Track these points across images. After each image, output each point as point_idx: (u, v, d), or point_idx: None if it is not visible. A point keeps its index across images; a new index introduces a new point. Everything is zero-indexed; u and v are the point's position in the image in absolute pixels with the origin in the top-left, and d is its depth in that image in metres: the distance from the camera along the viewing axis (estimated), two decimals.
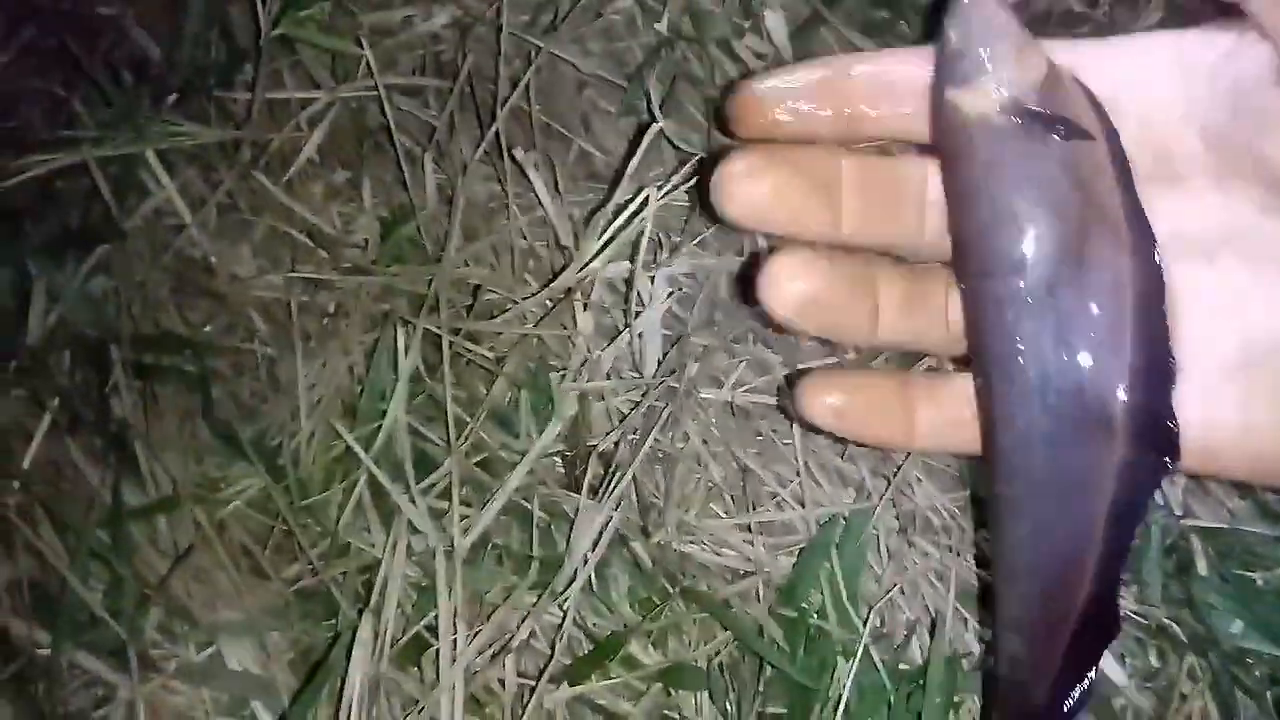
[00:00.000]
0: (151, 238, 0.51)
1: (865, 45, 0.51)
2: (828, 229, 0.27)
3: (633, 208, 0.45)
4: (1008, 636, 0.27)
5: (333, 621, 0.46)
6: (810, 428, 0.29)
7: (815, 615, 0.44)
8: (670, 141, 0.48)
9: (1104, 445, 0.24)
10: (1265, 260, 0.24)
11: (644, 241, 0.46)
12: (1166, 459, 0.24)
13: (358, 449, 0.44)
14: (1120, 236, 0.24)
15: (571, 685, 0.43)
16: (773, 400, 0.49)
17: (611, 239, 0.45)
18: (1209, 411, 0.25)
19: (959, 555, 0.47)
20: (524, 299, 0.48)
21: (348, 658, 0.42)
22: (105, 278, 0.51)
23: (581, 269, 0.45)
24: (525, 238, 0.51)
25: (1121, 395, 0.23)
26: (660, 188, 0.46)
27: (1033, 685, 0.27)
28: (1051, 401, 0.24)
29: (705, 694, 0.43)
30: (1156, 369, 0.24)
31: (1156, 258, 0.24)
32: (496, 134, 0.50)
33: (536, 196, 0.49)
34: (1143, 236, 0.24)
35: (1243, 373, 0.24)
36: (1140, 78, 0.24)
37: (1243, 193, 0.24)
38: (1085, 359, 0.23)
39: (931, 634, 0.45)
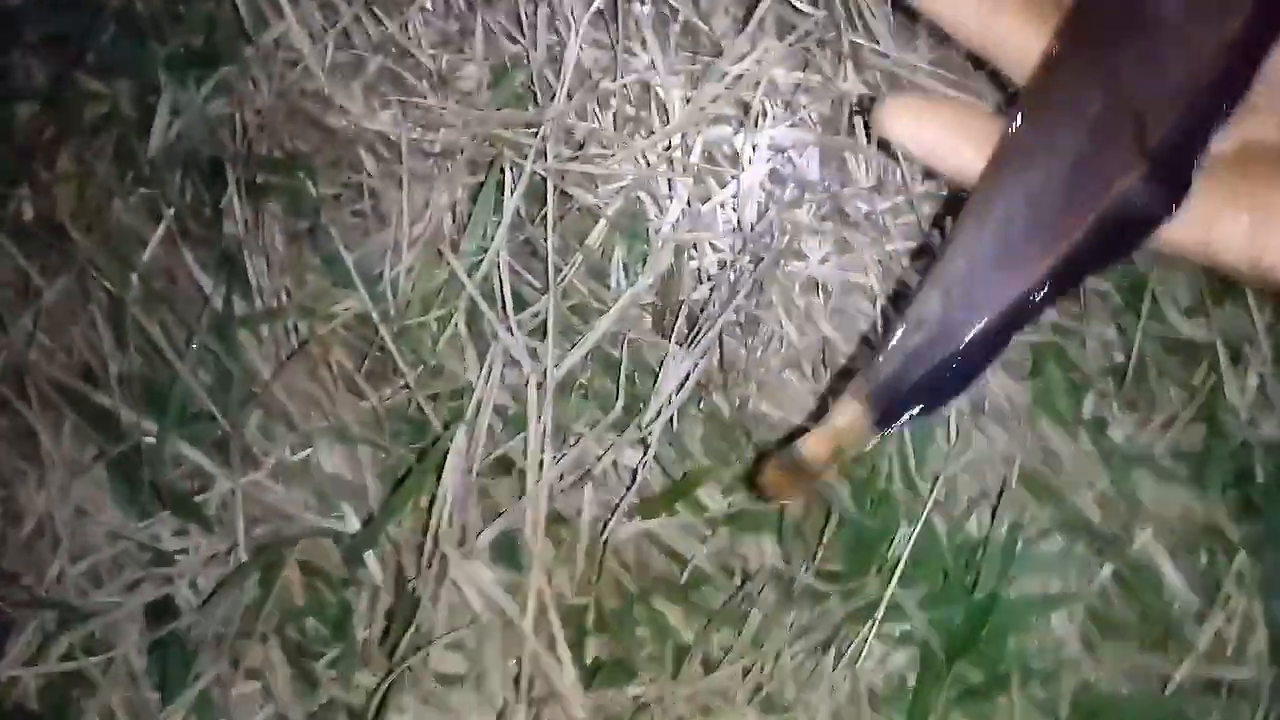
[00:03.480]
0: (269, 67, 0.53)
1: None
2: None
3: (746, 63, 0.46)
4: (923, 304, 0.27)
5: (421, 444, 0.48)
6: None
7: (884, 480, 0.46)
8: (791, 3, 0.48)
9: (1119, 171, 0.26)
10: None
11: (754, 106, 0.47)
12: (1172, 203, 0.26)
13: (461, 273, 0.46)
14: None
15: (643, 519, 0.45)
16: (857, 278, 0.50)
17: (723, 92, 0.46)
18: None
19: (1024, 444, 0.49)
20: (629, 151, 0.49)
21: (437, 472, 0.45)
22: (224, 101, 0.52)
23: (694, 117, 0.46)
24: (631, 101, 0.52)
25: (1155, 139, 0.26)
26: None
27: (910, 366, 0.27)
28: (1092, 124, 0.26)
29: (771, 539, 0.45)
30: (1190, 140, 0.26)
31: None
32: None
33: (646, 54, 0.50)
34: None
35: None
36: None
37: None
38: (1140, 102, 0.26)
39: (994, 513, 0.47)
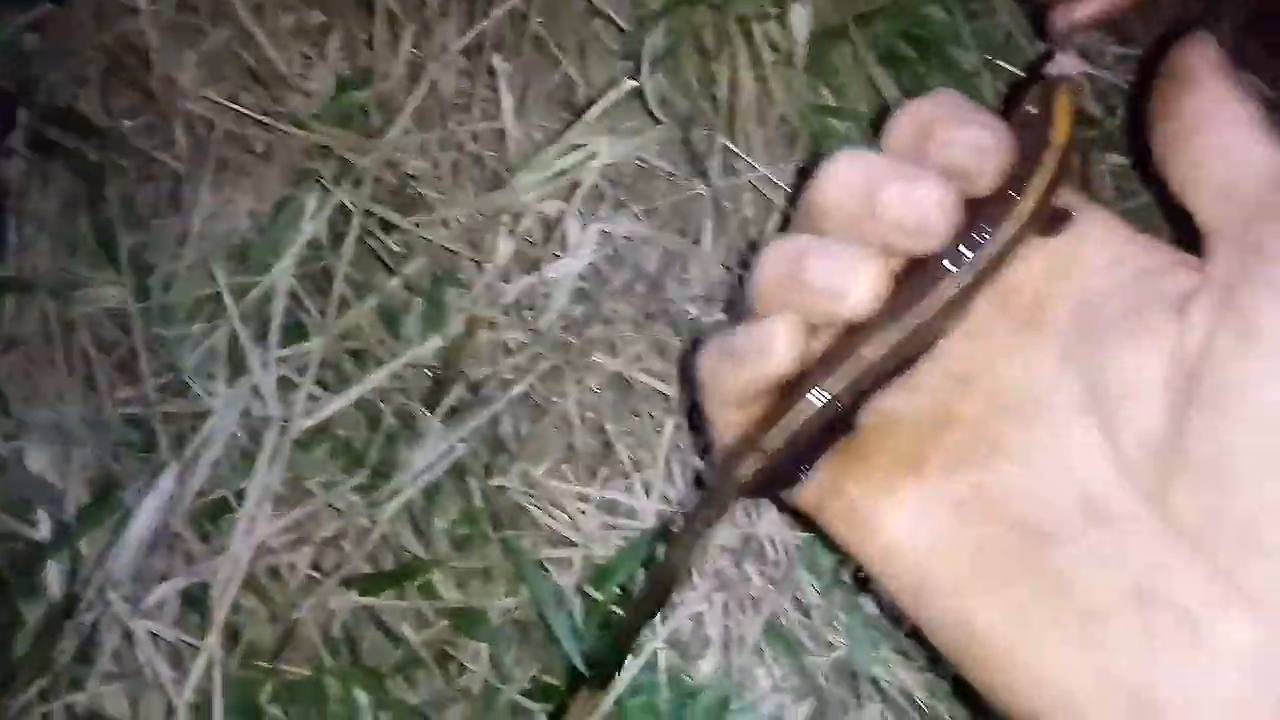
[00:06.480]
0: (98, 12, 0.49)
1: (881, 75, 0.50)
2: None
3: (582, 154, 0.44)
4: None
5: (147, 455, 0.44)
6: None
7: (618, 604, 0.44)
8: (645, 105, 0.46)
9: None
10: None
11: (581, 189, 0.45)
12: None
13: (227, 295, 0.43)
14: None
15: (361, 595, 0.43)
16: (662, 386, 0.48)
17: (554, 175, 0.43)
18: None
19: (778, 593, 0.48)
20: (452, 207, 0.46)
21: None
22: (39, 37, 0.48)
23: (521, 193, 0.43)
24: (477, 144, 0.49)
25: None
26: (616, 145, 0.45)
27: None
28: None
29: (487, 646, 0.43)
30: None
31: None
32: (484, 30, 0.48)
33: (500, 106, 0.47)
34: None
35: None
36: None
37: None
38: None
39: (725, 658, 0.45)
